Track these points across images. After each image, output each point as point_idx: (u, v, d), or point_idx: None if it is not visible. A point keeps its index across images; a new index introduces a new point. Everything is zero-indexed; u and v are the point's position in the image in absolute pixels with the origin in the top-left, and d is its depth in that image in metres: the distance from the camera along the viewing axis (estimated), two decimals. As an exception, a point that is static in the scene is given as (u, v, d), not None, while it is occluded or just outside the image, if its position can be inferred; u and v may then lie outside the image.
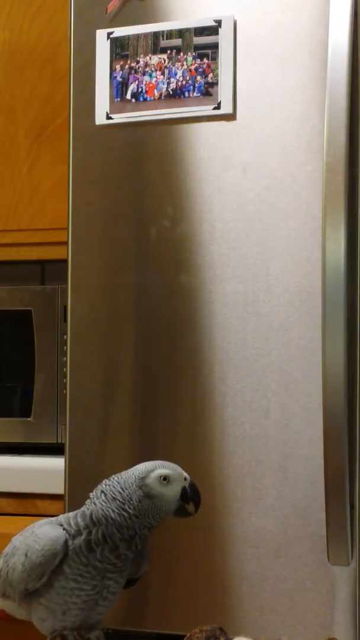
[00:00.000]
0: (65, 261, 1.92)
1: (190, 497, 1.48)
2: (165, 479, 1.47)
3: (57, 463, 2.05)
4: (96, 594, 1.48)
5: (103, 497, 1.47)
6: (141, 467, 1.49)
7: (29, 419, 2.41)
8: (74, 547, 1.46)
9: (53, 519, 1.53)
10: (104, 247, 1.89)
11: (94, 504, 1.48)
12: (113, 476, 1.50)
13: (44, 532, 1.49)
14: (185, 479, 1.48)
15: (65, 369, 1.93)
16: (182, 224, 1.82)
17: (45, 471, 2.17)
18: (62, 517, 1.51)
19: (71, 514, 1.51)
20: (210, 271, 1.79)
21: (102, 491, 1.48)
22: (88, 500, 1.50)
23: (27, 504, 2.18)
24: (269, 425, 1.74)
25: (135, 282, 1.86)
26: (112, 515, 1.45)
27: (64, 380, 2.00)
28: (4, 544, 1.59)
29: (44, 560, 1.46)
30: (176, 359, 1.82)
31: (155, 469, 1.47)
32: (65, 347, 1.95)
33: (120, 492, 1.46)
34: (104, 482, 1.50)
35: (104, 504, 1.47)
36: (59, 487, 1.93)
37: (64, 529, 1.48)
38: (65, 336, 1.95)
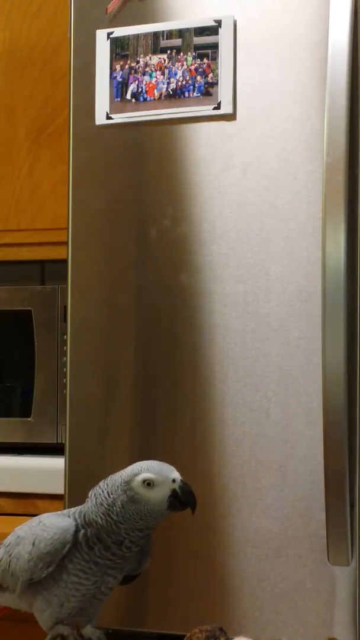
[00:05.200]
0: (65, 261, 1.92)
1: (183, 499, 1.43)
2: (149, 483, 1.43)
3: (57, 463, 2.05)
4: (95, 588, 1.49)
5: (94, 500, 1.47)
6: (128, 470, 1.46)
7: (29, 419, 2.41)
8: (78, 541, 1.46)
9: (58, 512, 1.53)
10: (104, 247, 1.89)
11: (87, 505, 1.48)
12: (109, 477, 1.48)
13: (52, 522, 1.49)
14: (174, 480, 1.43)
15: (65, 369, 1.93)
16: (182, 224, 1.82)
17: (45, 471, 2.17)
18: (65, 512, 1.52)
19: (72, 509, 1.51)
20: (210, 271, 1.79)
21: (95, 494, 1.47)
22: (87, 498, 1.50)
23: (27, 504, 2.18)
24: (269, 425, 1.74)
25: (135, 282, 1.86)
26: (99, 521, 1.45)
27: (64, 380, 2.00)
28: (3, 544, 1.59)
29: (52, 549, 1.46)
30: (176, 359, 1.82)
31: (140, 472, 1.44)
32: (65, 347, 1.95)
33: (106, 498, 1.45)
34: (100, 482, 1.49)
35: (93, 508, 1.47)
36: (59, 487, 1.93)
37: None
38: (65, 336, 1.95)
